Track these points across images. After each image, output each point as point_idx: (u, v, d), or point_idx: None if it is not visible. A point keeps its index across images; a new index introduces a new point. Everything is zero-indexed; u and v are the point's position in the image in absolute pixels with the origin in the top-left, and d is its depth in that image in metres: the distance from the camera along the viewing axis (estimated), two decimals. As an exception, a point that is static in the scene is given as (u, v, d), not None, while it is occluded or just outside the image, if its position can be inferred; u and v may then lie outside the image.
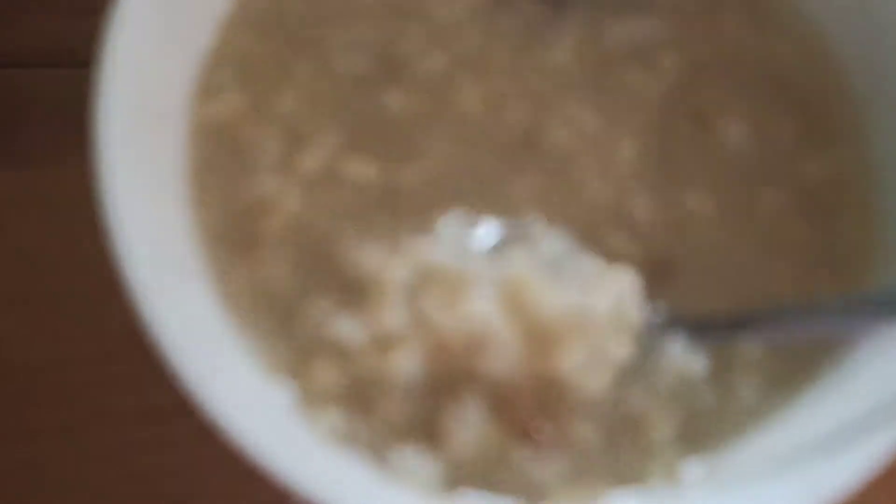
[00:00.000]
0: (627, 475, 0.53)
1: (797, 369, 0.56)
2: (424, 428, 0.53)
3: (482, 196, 0.59)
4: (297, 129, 0.59)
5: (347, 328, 0.54)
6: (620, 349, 0.52)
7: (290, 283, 0.56)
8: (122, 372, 0.68)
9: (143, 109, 0.53)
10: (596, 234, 0.59)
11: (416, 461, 0.52)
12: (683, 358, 0.55)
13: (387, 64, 0.61)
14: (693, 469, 0.54)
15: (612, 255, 0.57)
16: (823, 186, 0.62)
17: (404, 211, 0.57)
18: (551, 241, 0.56)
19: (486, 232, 0.57)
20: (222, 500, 0.66)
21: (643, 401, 0.55)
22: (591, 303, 0.52)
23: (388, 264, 0.53)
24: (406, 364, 0.52)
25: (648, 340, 0.54)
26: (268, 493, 0.67)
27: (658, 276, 0.58)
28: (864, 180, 0.62)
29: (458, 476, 0.52)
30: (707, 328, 0.54)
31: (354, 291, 0.55)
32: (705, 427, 0.55)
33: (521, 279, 0.52)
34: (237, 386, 0.51)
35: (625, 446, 0.54)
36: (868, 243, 0.60)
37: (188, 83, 0.58)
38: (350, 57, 0.60)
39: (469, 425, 0.52)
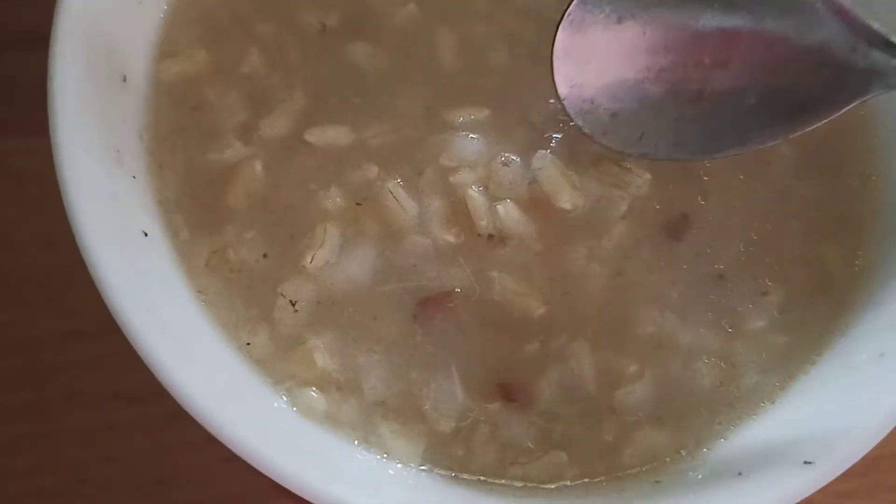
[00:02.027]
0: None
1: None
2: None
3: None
4: (263, 92, 0.57)
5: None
6: None
7: (255, 252, 0.53)
8: (94, 353, 0.67)
9: (100, 71, 0.52)
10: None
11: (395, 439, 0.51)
12: None
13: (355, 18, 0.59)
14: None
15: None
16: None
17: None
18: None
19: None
20: (199, 483, 0.65)
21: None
22: None
23: None
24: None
25: None
26: (245, 475, 0.67)
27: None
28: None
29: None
30: None
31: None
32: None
33: None
34: (204, 364, 0.50)
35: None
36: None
37: (148, 43, 0.57)
38: (315, 13, 0.59)
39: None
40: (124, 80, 0.54)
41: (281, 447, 0.47)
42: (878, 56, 0.46)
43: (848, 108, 0.48)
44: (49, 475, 0.65)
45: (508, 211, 0.54)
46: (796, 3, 0.47)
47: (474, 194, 0.54)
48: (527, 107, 0.57)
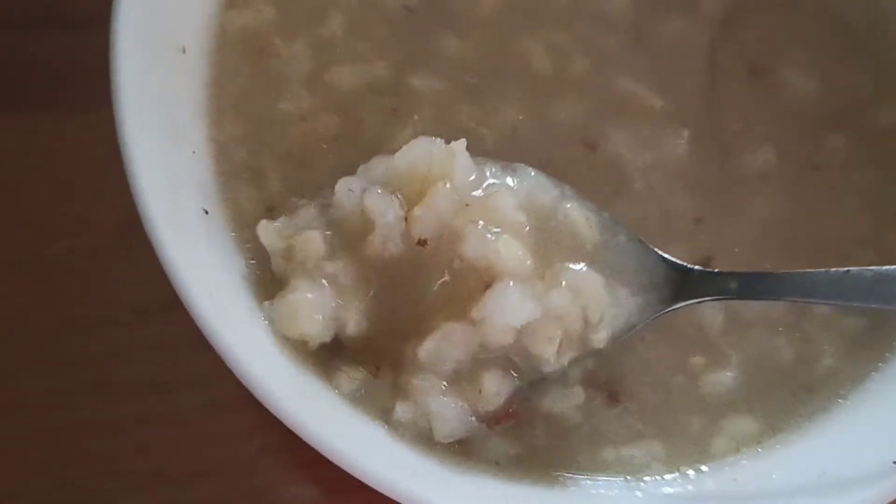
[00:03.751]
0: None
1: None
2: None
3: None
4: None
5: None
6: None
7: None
8: (123, 342, 0.65)
9: (160, 43, 0.51)
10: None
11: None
12: None
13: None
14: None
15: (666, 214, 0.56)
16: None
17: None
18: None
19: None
20: (234, 476, 0.63)
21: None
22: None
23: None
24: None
25: None
26: (276, 469, 0.65)
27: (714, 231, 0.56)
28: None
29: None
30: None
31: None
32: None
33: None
34: (258, 340, 0.48)
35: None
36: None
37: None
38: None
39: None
40: (183, 51, 0.53)
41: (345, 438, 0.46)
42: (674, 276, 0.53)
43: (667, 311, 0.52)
44: (77, 468, 0.62)
45: None
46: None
47: None
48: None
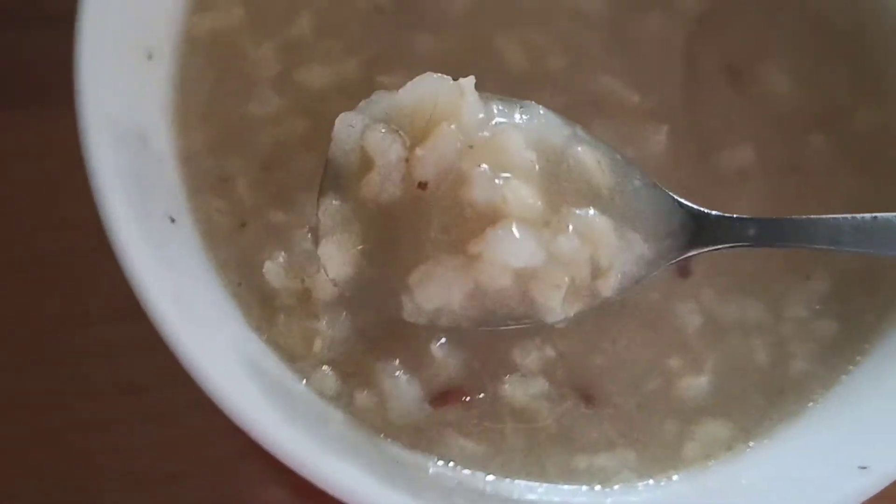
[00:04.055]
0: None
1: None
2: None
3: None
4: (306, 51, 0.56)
5: None
6: None
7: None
8: (101, 339, 0.64)
9: (125, 47, 0.51)
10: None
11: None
12: None
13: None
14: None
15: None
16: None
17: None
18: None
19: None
20: (213, 478, 0.63)
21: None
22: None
23: None
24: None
25: None
26: (263, 473, 0.65)
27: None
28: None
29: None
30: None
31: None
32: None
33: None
34: (223, 346, 0.49)
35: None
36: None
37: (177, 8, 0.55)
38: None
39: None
40: (150, 57, 0.52)
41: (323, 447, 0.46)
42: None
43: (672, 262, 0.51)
44: (57, 468, 0.62)
45: None
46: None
47: None
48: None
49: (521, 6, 0.59)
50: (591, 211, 0.49)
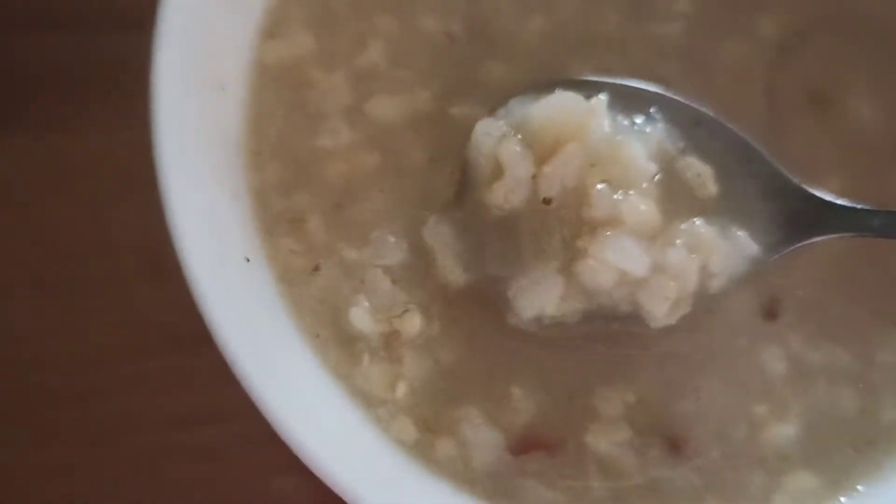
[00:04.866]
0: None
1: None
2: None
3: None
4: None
5: None
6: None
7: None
8: (151, 371, 0.63)
9: (200, 81, 0.50)
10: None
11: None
12: None
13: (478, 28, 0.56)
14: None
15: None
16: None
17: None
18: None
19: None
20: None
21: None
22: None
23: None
24: None
25: None
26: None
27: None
28: None
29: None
30: None
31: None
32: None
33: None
34: (296, 386, 0.48)
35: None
36: None
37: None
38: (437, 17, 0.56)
39: None
40: (222, 88, 0.51)
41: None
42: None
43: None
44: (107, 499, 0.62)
45: None
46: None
47: None
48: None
49: (595, 33, 0.58)
50: (699, 220, 0.50)
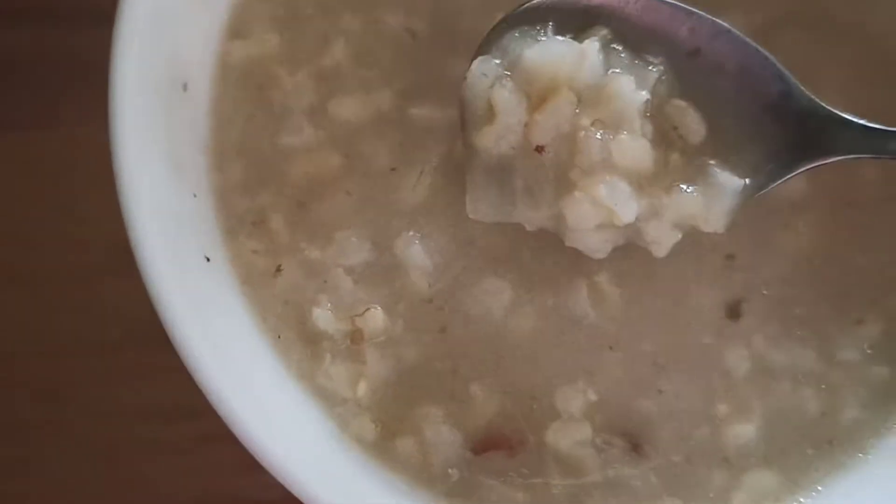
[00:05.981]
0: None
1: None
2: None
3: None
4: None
5: None
6: None
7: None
8: (119, 365, 0.64)
9: (161, 78, 0.49)
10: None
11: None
12: None
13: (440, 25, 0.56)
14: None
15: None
16: None
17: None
18: None
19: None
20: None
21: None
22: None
23: None
24: None
25: None
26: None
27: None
28: None
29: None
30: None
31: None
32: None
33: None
34: (254, 385, 0.49)
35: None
36: None
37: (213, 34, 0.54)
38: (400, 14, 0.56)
39: None
40: (185, 88, 0.51)
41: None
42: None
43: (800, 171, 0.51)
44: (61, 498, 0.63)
45: None
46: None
47: None
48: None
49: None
50: (701, 160, 0.50)
